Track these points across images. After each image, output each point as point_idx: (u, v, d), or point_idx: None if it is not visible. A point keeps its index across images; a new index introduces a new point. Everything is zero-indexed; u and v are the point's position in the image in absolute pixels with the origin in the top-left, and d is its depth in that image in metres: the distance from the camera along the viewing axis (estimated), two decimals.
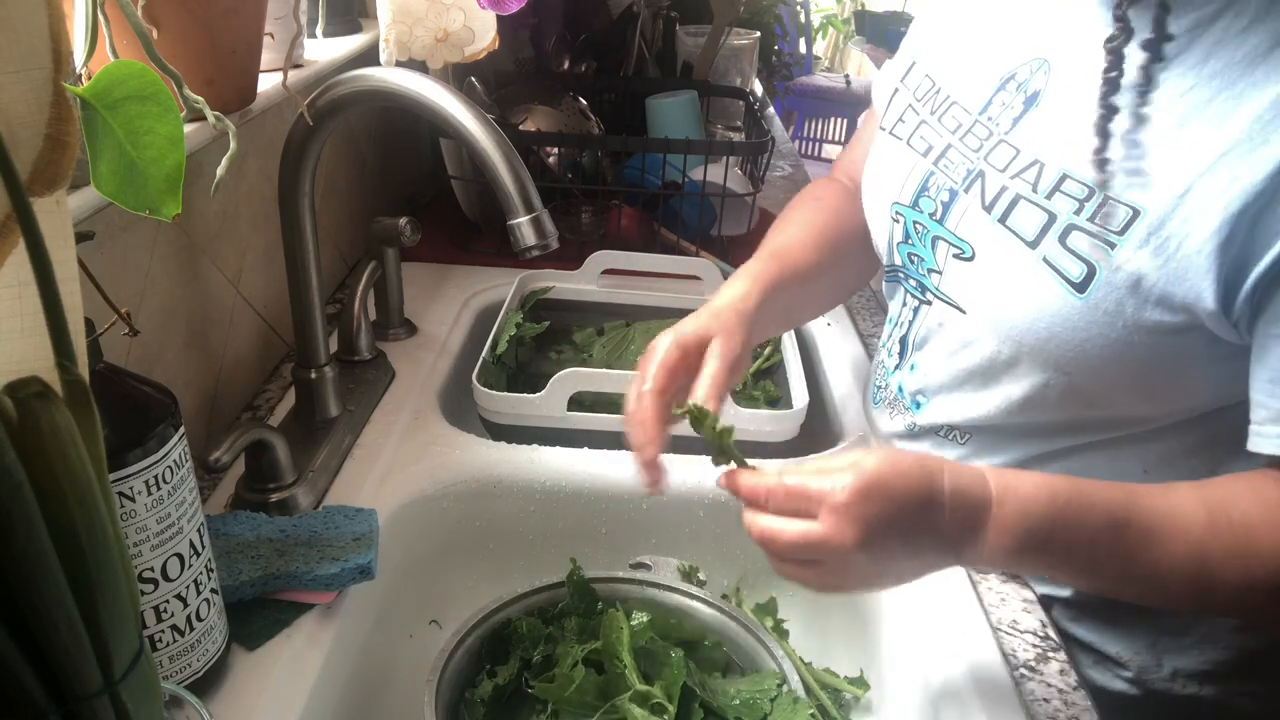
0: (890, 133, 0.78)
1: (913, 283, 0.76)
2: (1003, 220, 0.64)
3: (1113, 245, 0.57)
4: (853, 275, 0.90)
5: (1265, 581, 0.54)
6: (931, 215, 0.71)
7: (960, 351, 0.71)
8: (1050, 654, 0.67)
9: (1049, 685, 0.65)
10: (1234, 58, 0.55)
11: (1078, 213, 0.59)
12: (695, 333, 0.66)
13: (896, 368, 0.80)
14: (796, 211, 0.88)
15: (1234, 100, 0.54)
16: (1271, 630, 0.71)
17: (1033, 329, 0.62)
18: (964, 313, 0.69)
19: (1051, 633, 0.69)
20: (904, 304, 0.78)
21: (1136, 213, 0.57)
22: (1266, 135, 0.53)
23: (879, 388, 0.84)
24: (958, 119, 0.71)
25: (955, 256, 0.69)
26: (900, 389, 0.79)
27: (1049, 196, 0.61)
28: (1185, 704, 0.73)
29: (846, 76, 5.08)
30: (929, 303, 0.73)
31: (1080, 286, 0.59)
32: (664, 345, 0.65)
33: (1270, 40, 0.54)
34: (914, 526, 0.52)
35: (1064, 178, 0.61)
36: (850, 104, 4.97)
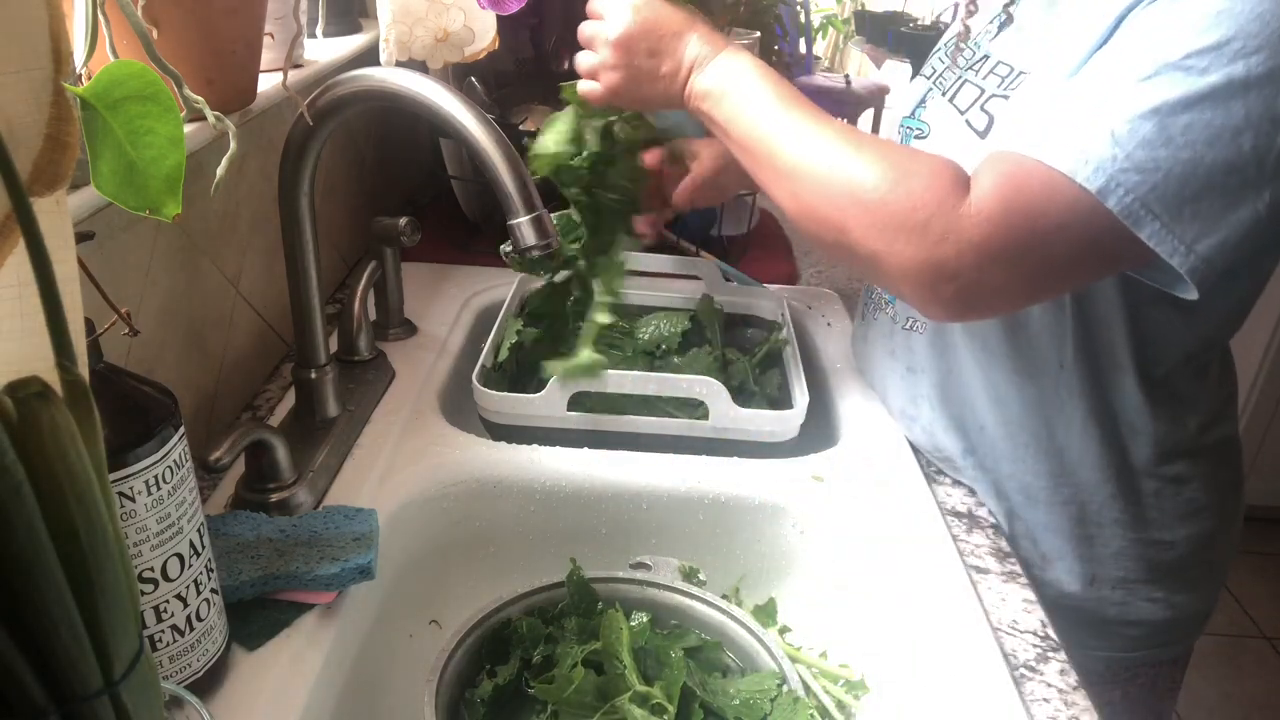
0: (919, 72, 0.92)
1: None
2: (951, 100, 0.79)
3: (1007, 98, 0.72)
4: None
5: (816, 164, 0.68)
6: (918, 117, 0.84)
7: None
8: (1050, 654, 0.68)
9: (1049, 685, 0.65)
10: None
11: (999, 86, 0.74)
12: None
13: None
14: None
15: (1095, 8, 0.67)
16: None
17: None
18: None
19: (1051, 633, 0.69)
20: None
21: (1028, 75, 0.72)
22: (1093, 26, 0.66)
23: (869, 292, 0.94)
24: (962, 50, 0.85)
25: (916, 138, 0.82)
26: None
27: (985, 77, 0.76)
28: (1091, 605, 0.84)
29: (846, 76, 5.06)
30: None
31: (983, 134, 0.74)
32: None
33: None
34: (660, 46, 0.75)
35: (999, 63, 0.75)
36: (850, 104, 4.95)
